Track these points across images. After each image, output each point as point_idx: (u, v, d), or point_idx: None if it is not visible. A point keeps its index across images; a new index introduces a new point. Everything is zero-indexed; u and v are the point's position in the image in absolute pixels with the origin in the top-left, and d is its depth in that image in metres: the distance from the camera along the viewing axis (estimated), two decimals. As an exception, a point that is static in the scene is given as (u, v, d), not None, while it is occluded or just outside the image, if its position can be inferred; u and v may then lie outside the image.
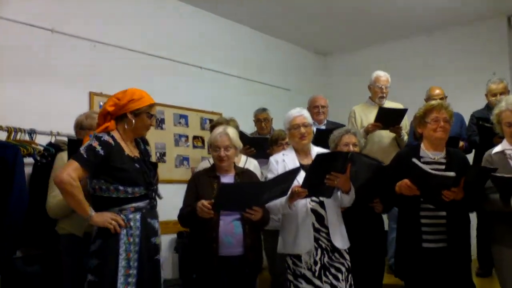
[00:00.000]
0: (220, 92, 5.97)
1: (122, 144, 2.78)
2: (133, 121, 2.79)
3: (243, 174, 3.37)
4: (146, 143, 3.02)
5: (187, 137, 5.52)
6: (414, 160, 2.90)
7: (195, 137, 5.64)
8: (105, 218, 2.63)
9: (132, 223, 2.71)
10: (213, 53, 5.97)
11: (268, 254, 4.06)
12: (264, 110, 5.29)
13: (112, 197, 2.70)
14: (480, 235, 4.18)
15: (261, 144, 4.53)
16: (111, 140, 2.71)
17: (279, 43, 7.03)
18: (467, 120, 4.72)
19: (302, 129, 3.27)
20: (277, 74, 6.87)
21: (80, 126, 3.38)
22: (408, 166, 2.91)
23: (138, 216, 2.74)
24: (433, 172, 2.85)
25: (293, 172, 2.99)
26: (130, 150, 2.81)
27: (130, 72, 4.98)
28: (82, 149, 2.65)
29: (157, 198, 2.90)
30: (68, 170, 2.57)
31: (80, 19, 4.66)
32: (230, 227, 3.14)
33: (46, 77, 4.33)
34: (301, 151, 3.34)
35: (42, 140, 4.00)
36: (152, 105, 2.85)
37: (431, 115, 3.12)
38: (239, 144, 3.38)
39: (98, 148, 2.65)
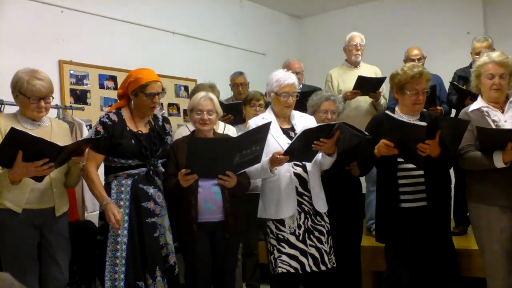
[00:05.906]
0: (194, 58, 5.83)
1: (128, 120, 3.09)
2: (132, 101, 3.11)
3: None
4: (166, 121, 3.32)
5: (162, 104, 5.41)
6: (387, 111, 2.98)
7: (170, 105, 5.53)
8: (111, 212, 2.89)
9: (123, 188, 3.00)
10: (185, 18, 5.80)
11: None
12: (241, 74, 5.21)
13: (111, 166, 3.05)
14: (457, 194, 4.21)
15: (237, 108, 4.46)
16: (114, 117, 3.05)
17: (253, 6, 6.88)
18: (445, 80, 4.68)
19: (291, 99, 3.21)
20: (252, 38, 6.74)
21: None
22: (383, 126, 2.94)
23: (129, 181, 3.02)
24: (405, 120, 2.89)
25: (263, 129, 2.91)
26: (135, 125, 3.09)
27: (101, 40, 4.82)
28: (92, 135, 3.02)
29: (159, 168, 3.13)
30: (87, 162, 2.97)
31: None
32: (209, 193, 3.12)
33: (14, 46, 4.16)
34: (281, 115, 3.29)
35: (10, 111, 3.84)
36: (146, 85, 3.01)
37: (410, 86, 3.06)
38: (220, 110, 3.32)
39: (103, 131, 3.00)
